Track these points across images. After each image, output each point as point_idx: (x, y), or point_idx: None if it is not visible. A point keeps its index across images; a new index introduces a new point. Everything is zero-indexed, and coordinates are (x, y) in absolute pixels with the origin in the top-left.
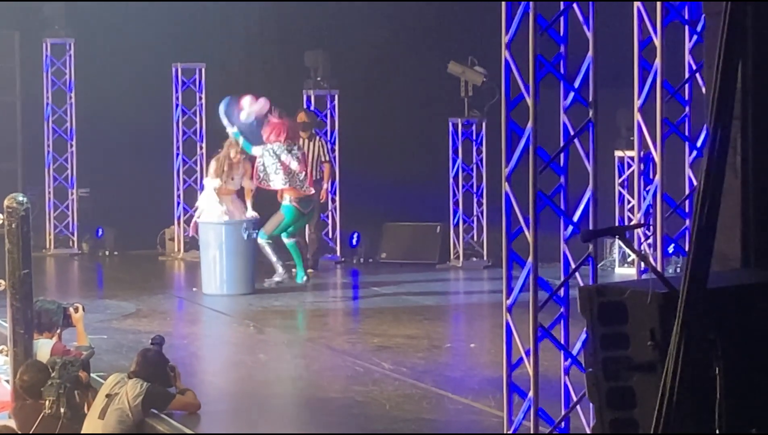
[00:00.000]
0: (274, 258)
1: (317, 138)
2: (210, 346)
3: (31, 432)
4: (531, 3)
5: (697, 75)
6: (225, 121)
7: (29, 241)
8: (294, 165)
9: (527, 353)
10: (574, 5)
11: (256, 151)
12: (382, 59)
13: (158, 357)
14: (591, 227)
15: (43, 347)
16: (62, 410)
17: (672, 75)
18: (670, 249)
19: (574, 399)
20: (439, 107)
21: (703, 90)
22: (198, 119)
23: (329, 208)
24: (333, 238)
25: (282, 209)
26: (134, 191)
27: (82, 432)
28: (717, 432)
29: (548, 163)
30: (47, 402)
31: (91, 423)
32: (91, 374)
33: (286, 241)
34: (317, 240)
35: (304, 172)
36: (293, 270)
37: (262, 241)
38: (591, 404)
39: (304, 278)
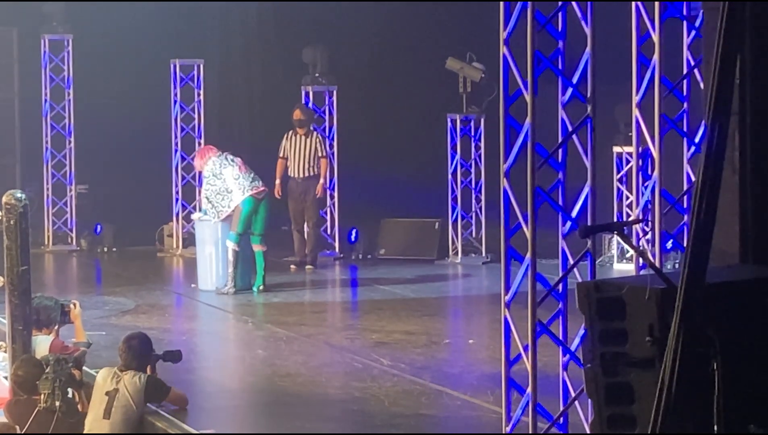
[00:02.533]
0: (231, 268)
1: (314, 133)
2: (209, 342)
3: (26, 427)
4: (529, 2)
5: (696, 71)
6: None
7: (28, 237)
8: (235, 172)
9: (526, 349)
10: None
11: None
12: (380, 55)
13: (141, 344)
14: (589, 223)
15: (42, 343)
16: (58, 403)
17: (670, 71)
18: (669, 245)
19: (573, 395)
20: (437, 103)
21: (702, 86)
22: (196, 116)
23: (328, 204)
24: (331, 235)
25: (239, 204)
26: (132, 188)
27: (86, 432)
28: (715, 427)
29: (546, 158)
30: (43, 395)
31: (96, 423)
32: (88, 369)
33: (256, 248)
34: (315, 236)
35: (246, 172)
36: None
37: (232, 243)
38: (589, 400)
39: (260, 287)
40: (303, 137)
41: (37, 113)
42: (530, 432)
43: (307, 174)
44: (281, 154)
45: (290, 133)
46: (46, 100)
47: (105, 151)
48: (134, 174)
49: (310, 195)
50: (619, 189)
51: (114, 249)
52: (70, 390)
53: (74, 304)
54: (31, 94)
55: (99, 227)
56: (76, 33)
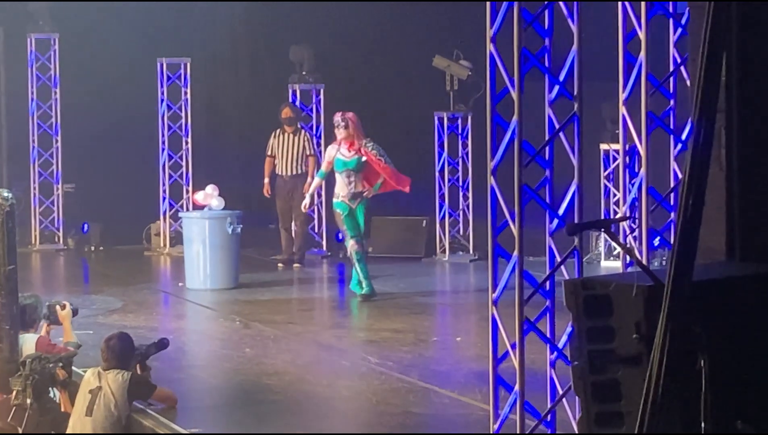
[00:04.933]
0: (362, 272)
1: (302, 132)
2: (196, 340)
3: (5, 426)
4: (515, 1)
5: (682, 68)
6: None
7: (14, 236)
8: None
9: (513, 347)
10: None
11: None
12: (367, 53)
13: (121, 343)
14: (576, 220)
15: (29, 341)
16: (29, 401)
17: (657, 68)
18: (656, 242)
19: (560, 392)
20: (424, 101)
21: (688, 83)
22: (183, 114)
23: (315, 202)
24: (319, 233)
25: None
26: (120, 186)
27: (69, 431)
28: (702, 424)
29: (533, 156)
30: (14, 393)
31: (78, 421)
32: (76, 369)
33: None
34: (303, 234)
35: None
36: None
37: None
38: (577, 397)
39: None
40: (291, 135)
41: (24, 112)
42: (518, 430)
43: (294, 172)
44: (269, 153)
45: (278, 131)
46: (32, 99)
47: (92, 149)
48: (121, 172)
49: (298, 193)
50: (606, 186)
51: (101, 248)
52: (53, 389)
53: (63, 306)
54: (18, 93)
55: (86, 226)
56: (63, 32)
